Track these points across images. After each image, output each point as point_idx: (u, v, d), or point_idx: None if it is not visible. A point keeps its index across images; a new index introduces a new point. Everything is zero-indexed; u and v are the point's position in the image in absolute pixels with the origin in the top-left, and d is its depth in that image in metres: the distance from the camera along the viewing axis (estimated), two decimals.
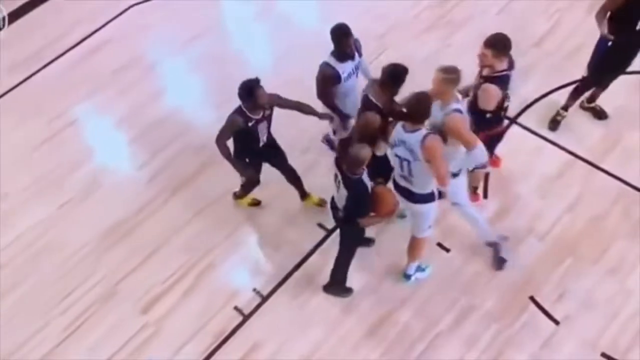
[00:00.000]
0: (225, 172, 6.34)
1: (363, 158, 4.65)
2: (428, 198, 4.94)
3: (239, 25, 7.98)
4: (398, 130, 4.72)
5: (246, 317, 5.69)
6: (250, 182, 5.93)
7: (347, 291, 5.69)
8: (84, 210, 6.47)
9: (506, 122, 5.41)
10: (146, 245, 6.16)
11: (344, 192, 4.81)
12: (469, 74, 6.86)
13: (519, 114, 6.69)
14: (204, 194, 6.41)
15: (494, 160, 5.98)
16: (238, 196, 6.25)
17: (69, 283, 6.00)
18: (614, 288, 5.58)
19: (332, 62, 5.47)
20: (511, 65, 5.10)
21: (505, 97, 5.13)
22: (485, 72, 5.06)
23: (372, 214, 4.92)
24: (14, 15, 7.94)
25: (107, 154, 6.94)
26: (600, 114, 6.48)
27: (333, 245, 5.89)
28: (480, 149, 4.76)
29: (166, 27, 7.86)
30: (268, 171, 5.88)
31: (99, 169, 6.77)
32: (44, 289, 5.98)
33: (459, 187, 5.28)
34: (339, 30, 5.37)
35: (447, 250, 5.90)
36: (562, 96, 6.57)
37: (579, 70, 6.27)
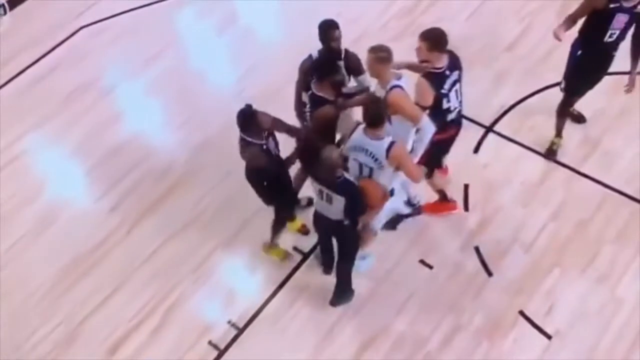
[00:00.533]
0: (191, 198, 6.42)
1: (337, 159, 4.63)
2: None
3: (199, 41, 7.91)
4: (358, 137, 4.75)
5: (222, 352, 5.55)
6: (285, 217, 5.75)
7: (353, 293, 5.68)
8: (39, 247, 6.29)
9: (454, 129, 5.44)
10: (109, 281, 6.00)
11: (339, 202, 4.75)
12: None
13: (495, 122, 6.72)
14: (169, 223, 6.29)
15: (443, 170, 5.98)
16: (271, 246, 5.96)
17: (26, 328, 5.79)
18: (604, 297, 5.59)
19: (315, 55, 5.43)
20: (453, 66, 5.09)
21: (441, 98, 5.07)
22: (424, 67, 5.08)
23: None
24: None
25: (63, 185, 6.78)
26: (578, 118, 6.54)
27: (311, 268, 5.89)
28: (427, 120, 4.84)
29: (121, 48, 7.76)
30: (240, 194, 5.77)
31: (54, 202, 6.60)
32: None
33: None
34: (323, 22, 5.34)
35: (430, 267, 5.86)
36: (539, 102, 6.67)
37: (554, 75, 6.33)
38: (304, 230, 6.05)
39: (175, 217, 6.30)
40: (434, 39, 4.94)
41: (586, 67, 5.74)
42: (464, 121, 6.42)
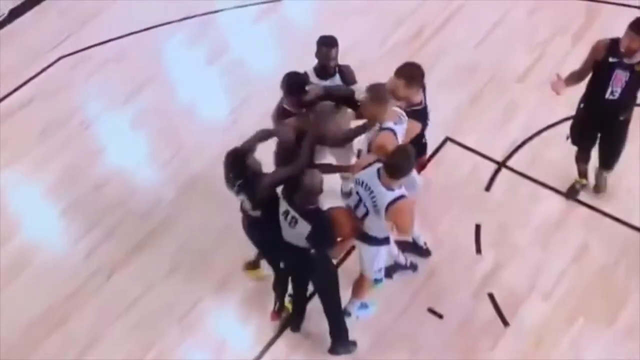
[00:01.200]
0: (176, 241, 6.28)
1: (318, 185, 4.65)
2: (380, 242, 4.98)
3: (187, 73, 7.83)
4: (371, 173, 4.66)
5: None
6: None
7: (354, 344, 5.50)
8: (9, 295, 6.06)
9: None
10: (84, 334, 5.79)
11: (303, 228, 4.67)
12: (448, 112, 6.70)
13: (508, 157, 6.61)
14: (152, 269, 6.12)
15: None
16: (253, 265, 5.90)
17: None
18: (634, 353, 5.34)
19: (309, 72, 5.44)
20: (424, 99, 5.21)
21: (424, 131, 5.26)
22: (402, 106, 5.07)
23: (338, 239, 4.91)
24: None
25: (37, 227, 6.60)
26: (596, 188, 6.32)
27: (308, 316, 5.65)
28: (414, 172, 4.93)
29: (102, 79, 7.70)
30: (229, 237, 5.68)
31: (26, 246, 6.43)
32: None
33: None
34: (319, 39, 5.39)
35: (440, 316, 5.67)
36: (554, 136, 6.54)
37: (567, 108, 6.22)
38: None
39: (159, 262, 6.14)
40: (409, 75, 5.03)
41: (584, 121, 5.76)
42: (475, 156, 6.33)
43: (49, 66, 7.76)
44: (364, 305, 5.59)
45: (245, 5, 8.02)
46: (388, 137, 4.80)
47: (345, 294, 5.38)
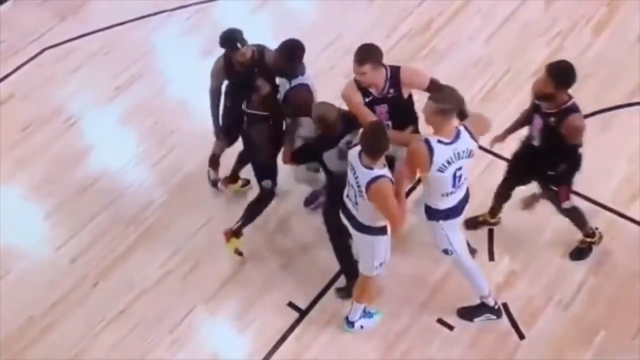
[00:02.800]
0: (167, 246, 6.29)
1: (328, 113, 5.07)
2: (375, 231, 5.01)
3: (181, 66, 7.83)
4: (354, 155, 4.78)
5: None
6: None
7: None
8: None
9: None
10: (68, 347, 5.75)
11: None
12: None
13: None
14: (141, 275, 6.12)
15: None
16: (235, 234, 5.97)
17: None
18: None
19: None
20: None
21: None
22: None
23: None
24: None
25: (17, 232, 6.54)
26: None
27: (309, 325, 5.68)
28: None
29: (89, 72, 7.73)
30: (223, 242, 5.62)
31: (6, 251, 6.39)
32: None
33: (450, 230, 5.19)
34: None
35: (451, 327, 5.65)
36: None
37: (590, 103, 6.22)
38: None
39: (149, 268, 6.14)
40: (365, 53, 5.11)
41: (514, 161, 5.79)
42: (488, 156, 6.30)
43: (31, 59, 7.79)
44: (368, 314, 5.59)
45: None
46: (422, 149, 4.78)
47: None
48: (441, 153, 4.67)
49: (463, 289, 5.66)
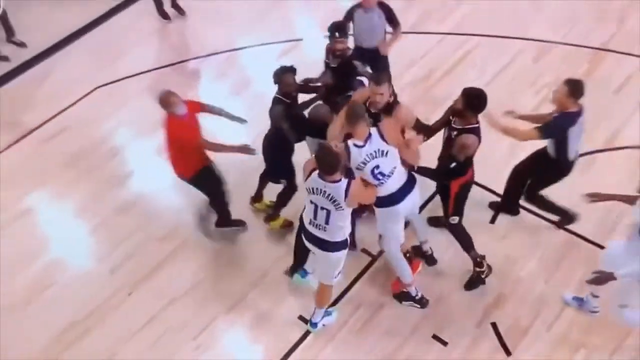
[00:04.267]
0: (194, 262, 6.21)
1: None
2: (341, 246, 5.03)
3: (212, 104, 7.61)
4: (315, 179, 4.74)
5: None
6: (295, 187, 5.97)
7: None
8: (35, 309, 6.00)
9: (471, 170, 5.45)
10: (103, 350, 5.69)
11: None
12: None
13: None
14: (171, 287, 6.04)
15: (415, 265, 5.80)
16: (272, 217, 6.19)
17: None
18: None
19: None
20: None
21: None
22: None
23: None
24: None
25: (65, 246, 6.51)
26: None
27: (317, 339, 5.54)
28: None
29: (132, 109, 7.65)
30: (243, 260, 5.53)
31: (54, 263, 6.34)
32: None
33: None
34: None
35: (445, 343, 5.49)
36: None
37: None
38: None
39: (177, 281, 6.06)
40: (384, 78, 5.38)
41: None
42: (481, 191, 6.17)
43: (85, 95, 7.77)
44: (327, 313, 5.57)
45: (269, 43, 8.04)
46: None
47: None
48: (355, 155, 4.87)
49: (456, 308, 5.59)
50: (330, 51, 6.04)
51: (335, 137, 5.09)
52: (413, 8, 8.31)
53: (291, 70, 5.73)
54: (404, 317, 5.61)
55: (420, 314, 5.64)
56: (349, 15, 6.34)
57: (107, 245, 6.39)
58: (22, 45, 8.25)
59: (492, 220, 6.26)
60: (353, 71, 5.99)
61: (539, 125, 5.39)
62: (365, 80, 5.95)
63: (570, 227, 6.09)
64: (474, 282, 5.76)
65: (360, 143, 4.87)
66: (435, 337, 5.50)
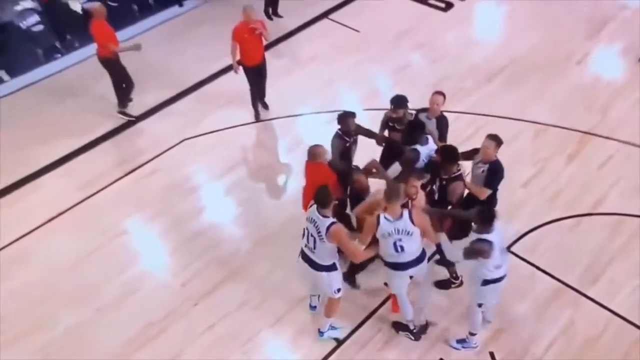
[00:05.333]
0: (248, 282, 6.10)
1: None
2: (328, 268, 4.96)
3: (272, 159, 7.70)
4: (313, 210, 4.80)
5: None
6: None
7: None
8: (122, 311, 6.02)
9: None
10: (169, 349, 5.67)
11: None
12: None
13: (512, 244, 6.28)
14: (227, 302, 5.99)
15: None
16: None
17: None
18: None
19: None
20: None
21: None
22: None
23: None
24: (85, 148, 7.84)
25: (150, 261, 6.56)
26: None
27: (343, 354, 5.39)
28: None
29: (210, 157, 7.62)
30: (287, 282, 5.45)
31: (139, 275, 6.36)
32: None
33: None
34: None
35: None
36: (548, 232, 6.31)
37: (561, 210, 6.25)
38: None
39: (233, 297, 6.00)
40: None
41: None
42: None
43: (174, 146, 7.75)
44: (332, 327, 5.49)
45: (320, 112, 7.96)
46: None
47: None
48: (384, 226, 4.75)
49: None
50: (389, 118, 6.01)
51: (363, 213, 5.08)
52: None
53: (352, 115, 5.81)
54: (415, 343, 5.45)
55: (430, 339, 5.47)
56: (417, 113, 6.02)
57: (181, 264, 6.37)
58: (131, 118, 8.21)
59: None
60: (421, 128, 5.69)
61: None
62: (430, 138, 5.73)
63: (557, 275, 5.88)
64: (445, 285, 5.72)
65: (391, 218, 4.75)
66: None
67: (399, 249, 4.82)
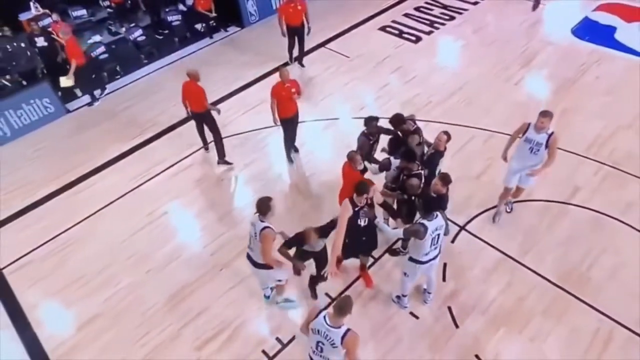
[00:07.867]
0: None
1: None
2: (266, 267, 4.78)
3: (280, 156, 7.40)
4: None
5: (271, 358, 5.19)
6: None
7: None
8: (166, 273, 6.09)
9: None
10: (199, 305, 5.74)
11: None
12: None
13: (466, 224, 6.30)
14: (240, 272, 5.92)
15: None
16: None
17: (145, 328, 5.60)
18: (533, 352, 5.07)
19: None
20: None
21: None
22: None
23: None
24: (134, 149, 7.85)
25: (185, 236, 6.56)
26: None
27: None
28: None
29: (231, 155, 7.45)
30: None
31: (178, 246, 6.43)
32: (128, 331, 5.58)
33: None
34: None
35: (417, 317, 5.39)
36: (494, 213, 6.32)
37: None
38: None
39: (244, 270, 5.69)
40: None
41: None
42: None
43: (191, 153, 7.55)
44: (289, 301, 5.42)
45: (318, 120, 7.90)
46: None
47: None
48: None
49: (466, 342, 5.23)
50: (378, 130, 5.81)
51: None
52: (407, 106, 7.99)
53: (375, 118, 5.67)
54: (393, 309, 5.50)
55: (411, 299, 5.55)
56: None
57: (210, 238, 6.39)
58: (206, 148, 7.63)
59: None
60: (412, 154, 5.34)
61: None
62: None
63: (500, 247, 5.89)
64: (395, 253, 5.73)
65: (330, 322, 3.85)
66: (411, 313, 5.43)
67: (434, 242, 4.61)
